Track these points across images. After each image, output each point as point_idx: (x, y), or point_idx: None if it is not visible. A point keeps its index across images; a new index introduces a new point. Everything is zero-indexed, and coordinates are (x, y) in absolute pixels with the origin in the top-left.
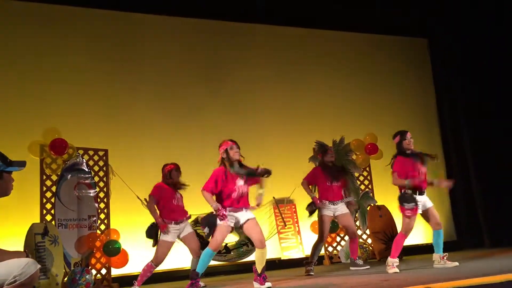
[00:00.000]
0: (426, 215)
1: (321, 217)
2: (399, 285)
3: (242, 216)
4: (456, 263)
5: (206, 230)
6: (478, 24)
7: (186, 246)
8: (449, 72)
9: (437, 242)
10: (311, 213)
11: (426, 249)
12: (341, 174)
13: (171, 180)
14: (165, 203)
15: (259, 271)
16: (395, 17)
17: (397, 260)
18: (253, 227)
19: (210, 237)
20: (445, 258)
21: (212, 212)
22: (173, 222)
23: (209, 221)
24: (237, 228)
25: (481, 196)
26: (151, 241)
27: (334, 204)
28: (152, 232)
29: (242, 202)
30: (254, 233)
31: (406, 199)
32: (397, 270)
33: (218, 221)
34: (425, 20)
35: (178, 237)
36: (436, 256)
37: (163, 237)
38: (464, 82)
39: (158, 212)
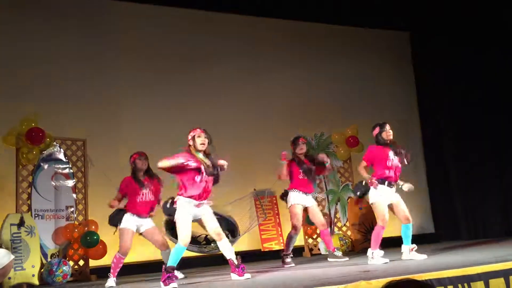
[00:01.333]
0: (394, 208)
1: (293, 207)
2: (378, 276)
3: (201, 210)
4: (425, 256)
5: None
6: (462, 18)
7: (151, 242)
8: (430, 66)
9: (405, 234)
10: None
11: (395, 242)
12: (311, 170)
13: (136, 169)
14: (130, 197)
15: (235, 262)
16: (377, 10)
17: (381, 251)
18: (210, 221)
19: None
20: (413, 250)
21: (171, 199)
22: (135, 215)
23: (169, 209)
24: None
25: (459, 189)
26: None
27: (306, 195)
28: (116, 220)
29: (205, 195)
30: (210, 227)
31: (353, 190)
32: (387, 260)
33: (178, 212)
34: (407, 13)
35: (138, 231)
36: (405, 247)
37: (122, 225)
38: (446, 76)
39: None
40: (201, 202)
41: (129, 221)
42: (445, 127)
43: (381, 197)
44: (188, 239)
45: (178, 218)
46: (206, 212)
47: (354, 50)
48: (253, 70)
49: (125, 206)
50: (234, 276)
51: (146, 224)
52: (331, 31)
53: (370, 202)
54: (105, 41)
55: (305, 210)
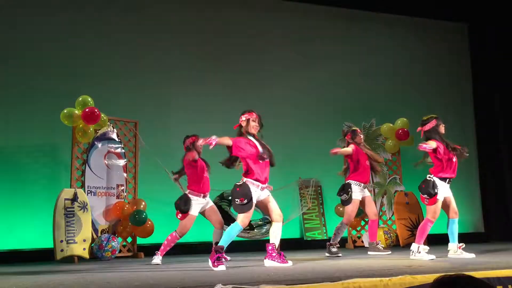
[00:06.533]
0: (445, 203)
1: (354, 201)
2: (424, 271)
3: (263, 192)
4: (473, 255)
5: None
6: None
7: (208, 220)
8: (488, 60)
9: (452, 231)
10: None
11: (439, 239)
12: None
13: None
14: (200, 173)
15: (277, 247)
16: (435, 1)
17: (426, 247)
18: (272, 201)
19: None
20: (461, 248)
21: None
22: (201, 195)
23: (246, 192)
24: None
25: None
26: (176, 212)
27: (364, 187)
28: (187, 207)
29: (266, 178)
30: (274, 208)
31: (425, 189)
32: (433, 256)
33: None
34: (466, 4)
35: (200, 211)
36: (452, 245)
37: (192, 212)
38: (504, 70)
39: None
40: (264, 186)
41: (195, 207)
42: (501, 123)
43: (443, 193)
44: (248, 221)
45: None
46: (267, 194)
47: (407, 42)
48: (303, 59)
49: (188, 187)
50: (268, 263)
51: (209, 203)
52: (385, 21)
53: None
54: (158, 25)
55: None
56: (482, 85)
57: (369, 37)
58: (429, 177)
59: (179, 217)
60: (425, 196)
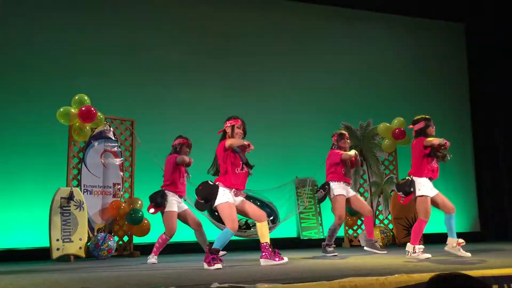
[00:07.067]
0: (436, 201)
1: (336, 197)
2: (420, 270)
3: (238, 198)
4: (469, 254)
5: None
6: None
7: (185, 223)
8: (485, 59)
9: (449, 225)
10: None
11: (434, 238)
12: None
13: (181, 153)
14: (176, 175)
15: (269, 248)
16: (434, 1)
17: (422, 246)
18: (249, 205)
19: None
20: (460, 245)
21: (207, 182)
22: (177, 195)
23: (204, 192)
24: None
25: (510, 188)
26: (148, 206)
27: (348, 185)
28: (161, 201)
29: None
30: (252, 210)
31: (400, 186)
32: (429, 255)
33: (220, 199)
34: (465, 4)
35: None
36: (452, 240)
37: (168, 208)
38: (501, 69)
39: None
40: (239, 190)
41: (174, 203)
42: (499, 123)
43: (430, 191)
44: (237, 225)
45: (224, 204)
46: (241, 199)
47: (406, 41)
48: (302, 59)
49: (162, 186)
50: (264, 262)
51: (184, 205)
52: (382, 20)
53: (419, 195)
54: (155, 24)
55: (347, 200)
56: (480, 85)
57: (367, 37)
58: (408, 176)
59: (151, 211)
60: (400, 193)
